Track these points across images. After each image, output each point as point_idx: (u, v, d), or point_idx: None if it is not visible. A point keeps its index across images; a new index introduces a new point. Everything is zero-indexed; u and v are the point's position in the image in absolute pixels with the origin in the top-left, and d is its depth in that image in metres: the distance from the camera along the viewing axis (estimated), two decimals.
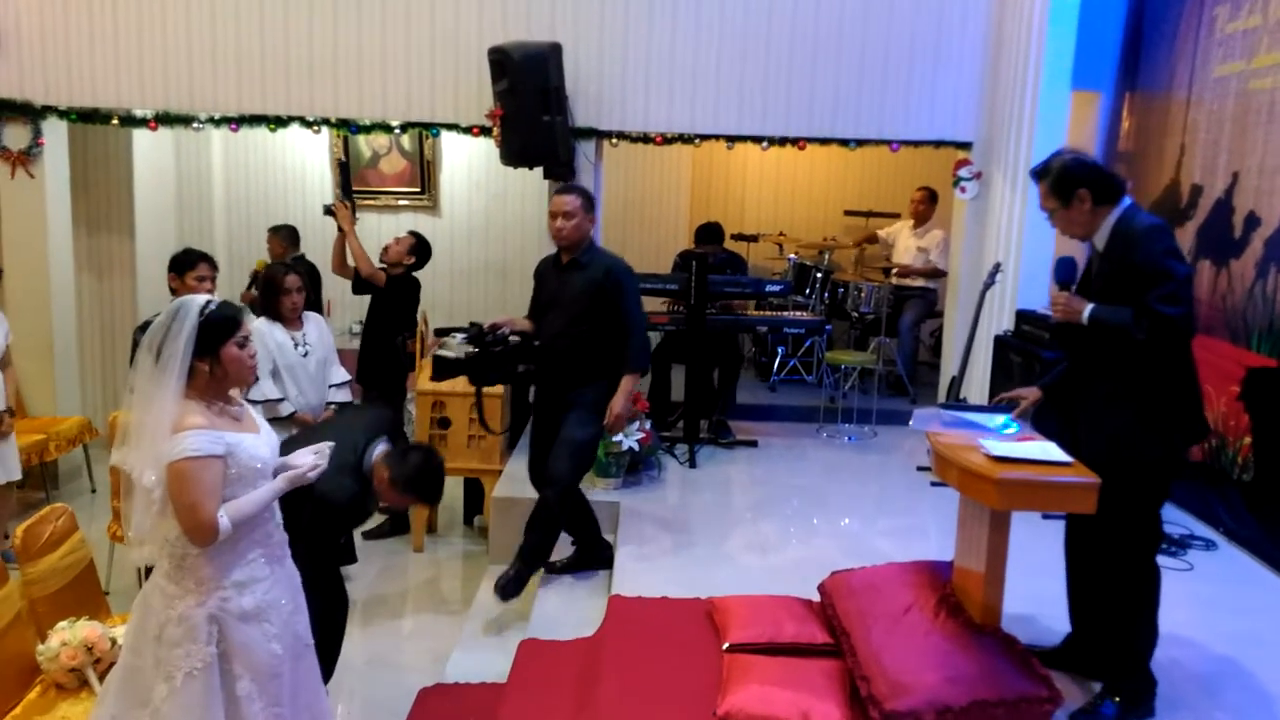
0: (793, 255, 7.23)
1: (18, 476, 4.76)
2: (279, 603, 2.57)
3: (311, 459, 2.63)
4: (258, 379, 3.92)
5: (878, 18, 5.73)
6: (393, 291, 5.52)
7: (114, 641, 2.93)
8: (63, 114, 5.79)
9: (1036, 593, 3.37)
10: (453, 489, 5.64)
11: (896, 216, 7.40)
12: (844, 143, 5.84)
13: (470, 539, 5.48)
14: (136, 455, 2.46)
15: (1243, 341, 4.36)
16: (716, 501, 4.84)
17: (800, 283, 6.96)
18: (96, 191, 6.47)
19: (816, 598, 3.55)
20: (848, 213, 7.87)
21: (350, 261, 5.56)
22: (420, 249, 5.61)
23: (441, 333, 4.59)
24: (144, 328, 4.33)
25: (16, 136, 5.77)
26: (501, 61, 5.27)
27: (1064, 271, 3.09)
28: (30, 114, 5.74)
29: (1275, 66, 4.26)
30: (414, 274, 5.65)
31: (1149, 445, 2.86)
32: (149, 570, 2.64)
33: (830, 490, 5.09)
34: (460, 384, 5.19)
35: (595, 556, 4.25)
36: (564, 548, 4.27)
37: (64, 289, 6.04)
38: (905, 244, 7.01)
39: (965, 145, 5.83)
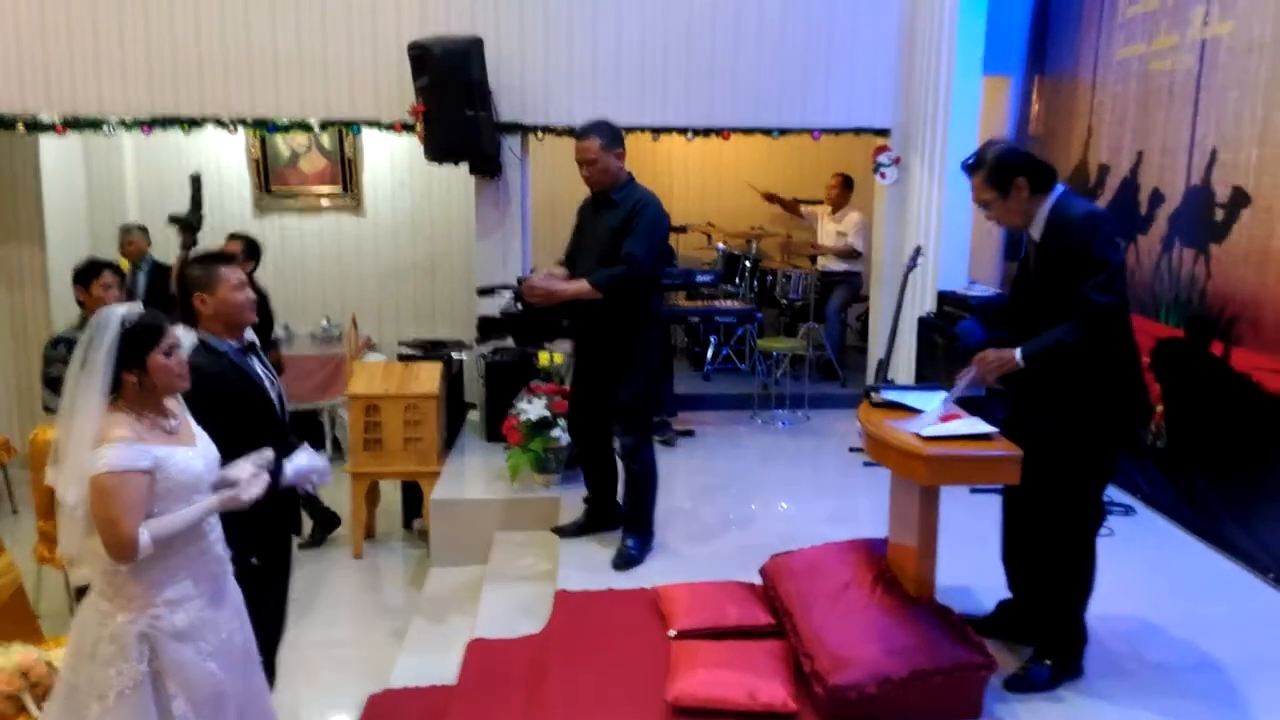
0: (721, 245, 7.31)
1: None
2: (215, 621, 2.53)
3: (251, 470, 2.59)
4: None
5: (796, 7, 5.82)
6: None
7: (50, 665, 2.85)
8: None
9: (967, 564, 3.48)
10: (390, 493, 5.62)
11: (820, 203, 7.53)
12: (767, 132, 5.93)
13: (410, 542, 5.44)
14: (62, 473, 2.40)
15: (1152, 313, 4.55)
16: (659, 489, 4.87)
17: (730, 272, 7.04)
18: (3, 201, 6.23)
19: (759, 581, 3.62)
20: (770, 199, 7.96)
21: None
22: (253, 250, 5.38)
23: (484, 291, 4.50)
24: (56, 342, 4.22)
25: None
26: (422, 57, 5.21)
27: (973, 334, 3.15)
28: None
29: (1173, 48, 4.45)
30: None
31: (1094, 427, 2.93)
32: (81, 591, 2.58)
33: (767, 475, 5.18)
34: (393, 386, 5.16)
35: (608, 517, 4.21)
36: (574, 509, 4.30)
37: None
38: (825, 229, 7.15)
39: (884, 132, 5.97)
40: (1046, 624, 3.09)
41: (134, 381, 2.38)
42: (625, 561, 3.95)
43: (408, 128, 5.63)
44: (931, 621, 3.00)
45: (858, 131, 5.96)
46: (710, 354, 7.00)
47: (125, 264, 6.07)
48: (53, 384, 3.98)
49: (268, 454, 2.66)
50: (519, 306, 3.88)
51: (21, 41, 5.50)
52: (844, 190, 7.02)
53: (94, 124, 5.61)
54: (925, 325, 5.47)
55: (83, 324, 4.01)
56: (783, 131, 5.92)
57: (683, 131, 5.92)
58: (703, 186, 8.03)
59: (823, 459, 5.51)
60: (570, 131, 5.83)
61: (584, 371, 4.10)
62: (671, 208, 7.89)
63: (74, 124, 5.59)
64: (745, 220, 7.91)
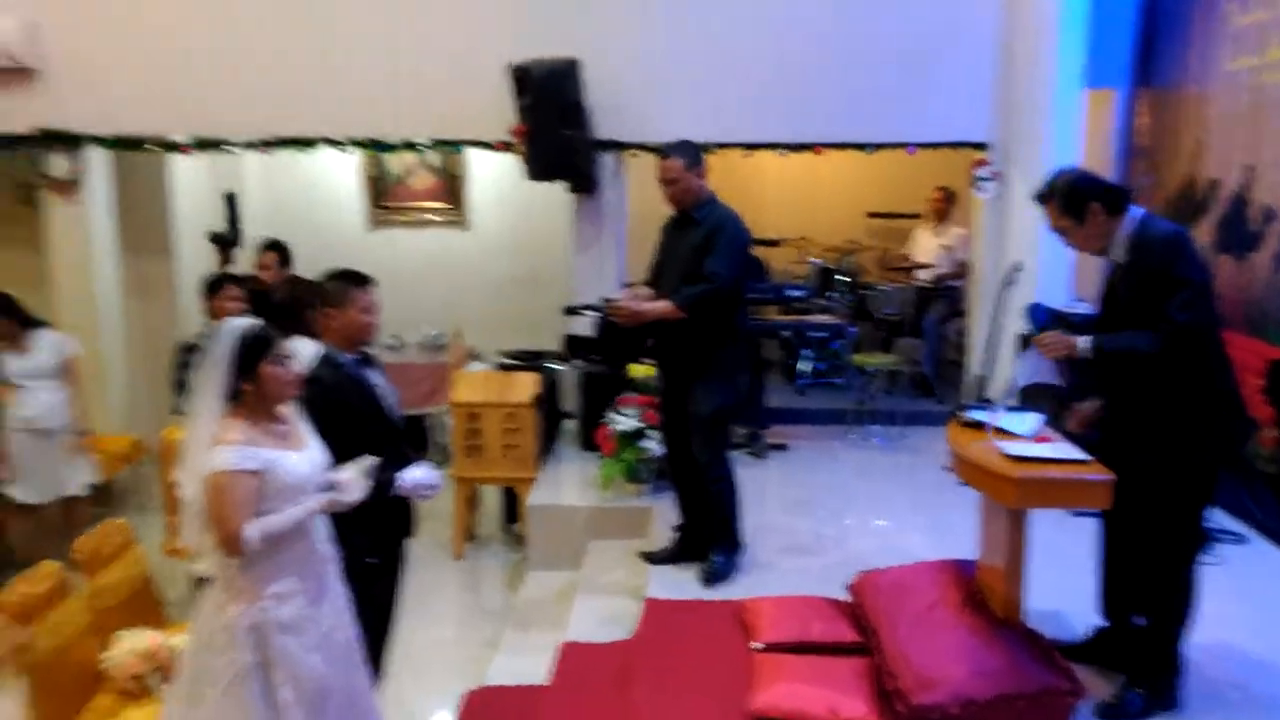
0: (814, 259, 7.30)
1: (86, 491, 5.08)
2: (319, 617, 2.69)
3: (353, 474, 2.76)
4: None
5: (890, 21, 5.79)
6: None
7: (173, 650, 3.08)
8: (103, 142, 5.99)
9: (1062, 588, 3.43)
10: (490, 497, 5.81)
11: (917, 217, 7.45)
12: (860, 147, 5.92)
13: (508, 545, 5.61)
14: (185, 471, 2.61)
15: (1261, 333, 4.39)
16: (748, 504, 4.84)
17: (824, 286, 7.03)
18: (137, 216, 6.67)
19: (846, 598, 3.64)
20: (871, 215, 7.92)
21: None
22: (285, 258, 5.52)
23: (571, 311, 4.61)
24: (184, 349, 4.53)
25: (60, 166, 5.98)
26: (522, 78, 5.40)
27: (1040, 317, 3.14)
28: (72, 144, 5.95)
29: None
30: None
31: (1189, 448, 2.88)
32: (202, 583, 2.79)
33: (860, 492, 5.16)
34: (493, 395, 5.35)
35: (698, 547, 4.15)
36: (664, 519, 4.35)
37: (110, 311, 6.25)
38: (925, 244, 7.07)
39: (982, 146, 5.88)
40: (1142, 651, 3.03)
41: (249, 389, 2.58)
42: (712, 578, 3.96)
43: (509, 147, 5.83)
44: (1019, 645, 2.98)
45: (955, 146, 5.90)
46: (804, 368, 7.00)
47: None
48: (179, 387, 4.27)
49: (370, 460, 2.82)
50: (604, 327, 3.96)
51: (156, 69, 5.90)
52: (948, 204, 6.94)
53: (219, 144, 5.98)
54: (1025, 342, 5.37)
55: (210, 333, 4.31)
56: (877, 146, 5.90)
57: (776, 147, 5.96)
58: (796, 200, 8.02)
59: (917, 477, 5.46)
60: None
61: (670, 390, 4.15)
62: (764, 221, 8.01)
63: (201, 144, 5.98)
64: (841, 233, 7.88)
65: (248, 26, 5.89)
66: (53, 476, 5.07)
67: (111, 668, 3.11)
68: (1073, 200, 2.96)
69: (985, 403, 4.95)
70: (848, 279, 7.02)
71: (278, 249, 5.50)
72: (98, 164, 6.09)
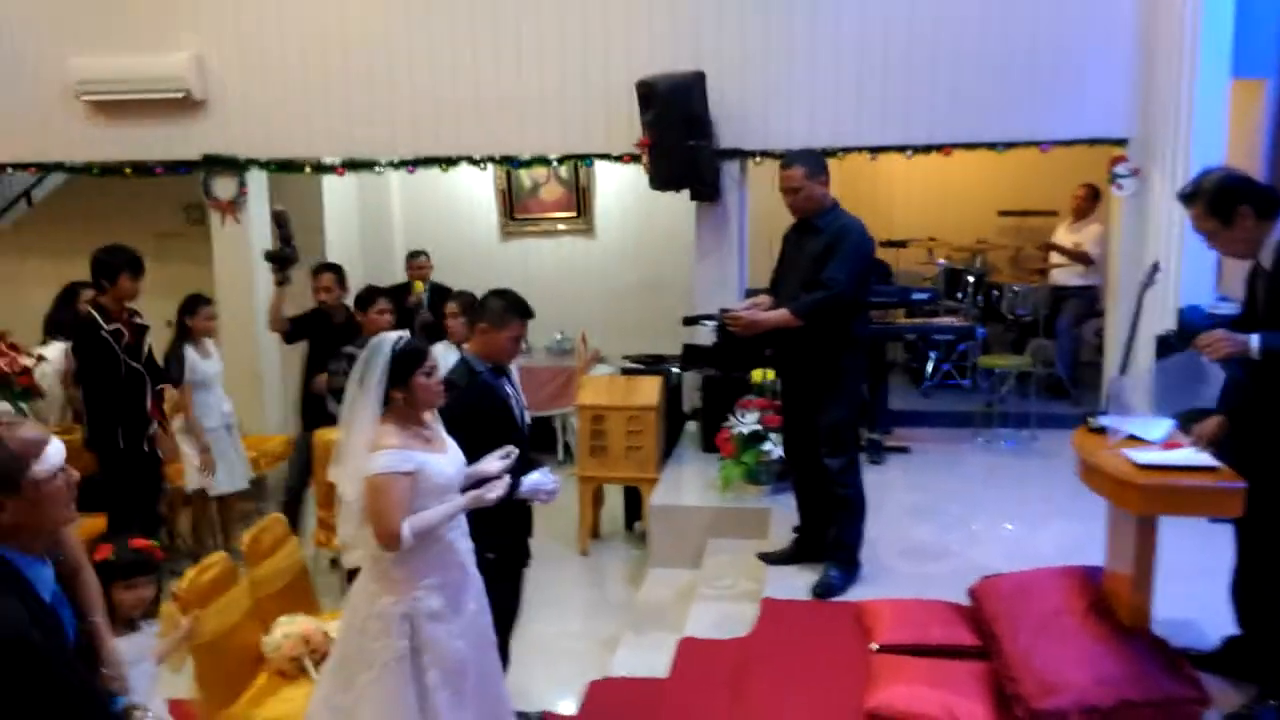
0: (941, 260, 7.19)
1: (244, 486, 5.51)
2: (464, 604, 2.92)
3: (498, 465, 2.97)
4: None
5: (1021, 16, 5.68)
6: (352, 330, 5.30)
7: (326, 635, 3.36)
8: (263, 165, 6.50)
9: (1193, 596, 3.33)
10: (613, 496, 6.00)
11: (1054, 215, 7.23)
12: (991, 146, 5.81)
13: (631, 543, 5.78)
14: (342, 472, 2.87)
15: None
16: (870, 507, 4.90)
17: (952, 287, 6.91)
18: (294, 233, 7.18)
19: (968, 603, 3.62)
20: (1002, 213, 7.74)
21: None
22: (342, 279, 5.53)
23: (690, 321, 4.72)
24: (338, 356, 4.88)
25: (225, 187, 6.52)
26: (648, 94, 5.57)
27: (1197, 315, 3.03)
28: (235, 167, 6.48)
29: None
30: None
31: None
32: (351, 574, 3.05)
33: (986, 496, 5.08)
34: (617, 398, 5.53)
35: (816, 549, 4.17)
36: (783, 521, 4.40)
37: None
38: (1061, 240, 6.86)
39: (1121, 142, 5.69)
40: (1275, 663, 2.92)
41: (400, 398, 2.81)
42: (826, 590, 3.93)
43: (635, 159, 6.00)
44: (1144, 653, 2.92)
45: (1091, 143, 5.72)
46: (930, 370, 6.91)
47: (419, 286, 6.92)
48: (335, 393, 4.60)
49: (511, 450, 3.03)
50: (722, 336, 4.00)
51: (310, 98, 6.36)
52: (1091, 201, 6.72)
53: (367, 164, 6.41)
54: (1164, 344, 5.18)
55: (361, 344, 4.64)
56: (1008, 145, 5.79)
57: (902, 150, 5.92)
58: (925, 199, 7.92)
59: (1048, 481, 5.32)
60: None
61: (791, 398, 4.18)
62: (891, 221, 7.96)
63: (351, 165, 6.41)
64: (970, 233, 7.73)
65: (394, 57, 6.26)
66: (236, 470, 5.52)
67: (270, 650, 3.40)
68: (1221, 202, 2.85)
69: (1122, 406, 4.82)
70: (976, 279, 6.88)
71: (335, 271, 5.57)
72: (257, 185, 6.60)
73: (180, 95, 6.31)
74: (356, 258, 7.82)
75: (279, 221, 5.23)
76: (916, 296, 5.87)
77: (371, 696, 2.80)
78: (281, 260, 5.22)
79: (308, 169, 6.49)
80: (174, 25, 6.35)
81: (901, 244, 7.51)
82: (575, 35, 6.11)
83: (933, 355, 6.90)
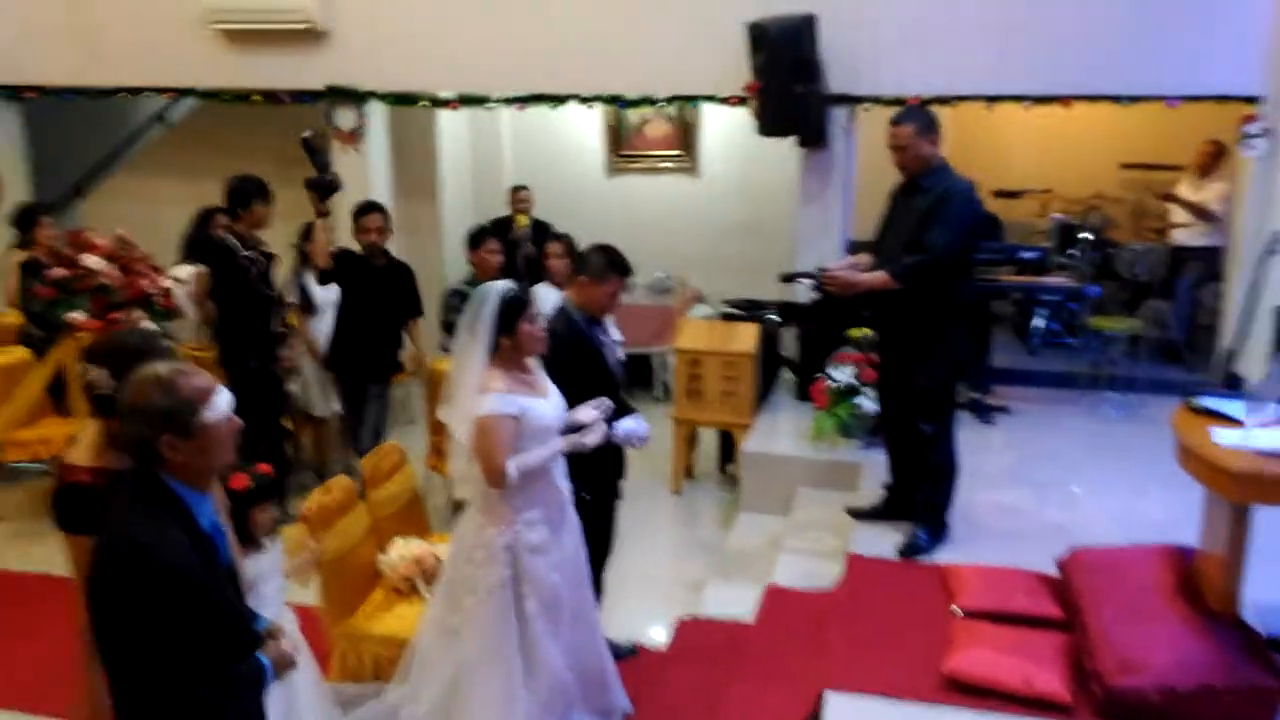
0: (1056, 215, 6.97)
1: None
2: (560, 540, 3.12)
3: (592, 414, 3.13)
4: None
5: None
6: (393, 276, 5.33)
7: (436, 557, 3.61)
8: (382, 98, 6.68)
9: None
10: (708, 438, 6.14)
11: (1179, 169, 6.91)
12: (1114, 99, 5.58)
13: (723, 486, 5.93)
14: (453, 412, 3.06)
15: None
16: (964, 466, 4.87)
17: (1065, 243, 6.72)
18: (409, 164, 7.40)
19: (1054, 573, 3.65)
20: (1124, 166, 7.42)
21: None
22: (387, 222, 5.30)
23: (787, 279, 4.72)
24: (451, 294, 5.08)
25: (346, 118, 6.74)
26: (759, 36, 5.50)
27: None
28: (356, 99, 6.68)
29: None
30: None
31: None
32: (458, 504, 3.27)
33: (1085, 463, 5.01)
34: (714, 343, 5.62)
35: (905, 508, 4.18)
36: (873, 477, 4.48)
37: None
38: (1184, 195, 6.57)
39: (1253, 100, 5.38)
40: None
41: (507, 344, 2.98)
42: (912, 550, 3.97)
43: (742, 102, 5.96)
44: (1230, 639, 2.93)
45: (1220, 99, 5.43)
46: (1038, 327, 6.76)
47: (523, 220, 7.08)
48: (448, 327, 4.80)
49: (606, 401, 3.19)
50: (819, 295, 3.98)
51: (429, 33, 6.47)
52: (1216, 157, 6.41)
53: (480, 100, 6.53)
54: None
55: (473, 280, 4.84)
56: (1133, 99, 5.54)
57: (1019, 99, 5.73)
58: (1043, 148, 7.62)
59: (1153, 450, 5.16)
60: (899, 102, 5.88)
61: (888, 360, 4.18)
62: (1007, 171, 7.73)
63: (465, 100, 6.54)
64: (1091, 185, 7.45)
65: None
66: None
67: (386, 569, 3.68)
68: None
69: (1232, 380, 4.68)
70: (1091, 236, 6.66)
71: (381, 210, 5.31)
72: (377, 117, 6.79)
73: (305, 26, 6.50)
74: (468, 192, 8.03)
75: (309, 148, 4.84)
76: (1024, 255, 5.73)
77: (475, 619, 3.04)
78: (322, 188, 4.90)
79: (424, 103, 6.65)
80: None
81: (1015, 195, 7.30)
82: None
83: (1040, 313, 6.75)
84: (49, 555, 4.74)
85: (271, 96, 6.76)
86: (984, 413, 5.63)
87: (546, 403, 3.08)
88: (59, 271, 5.09)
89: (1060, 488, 4.70)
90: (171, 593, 1.91)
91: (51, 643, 3.78)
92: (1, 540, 5.16)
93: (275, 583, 3.05)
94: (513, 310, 2.99)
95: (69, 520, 2.52)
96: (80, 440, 2.60)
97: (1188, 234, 6.49)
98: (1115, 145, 7.24)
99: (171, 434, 1.97)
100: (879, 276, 3.85)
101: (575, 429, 3.13)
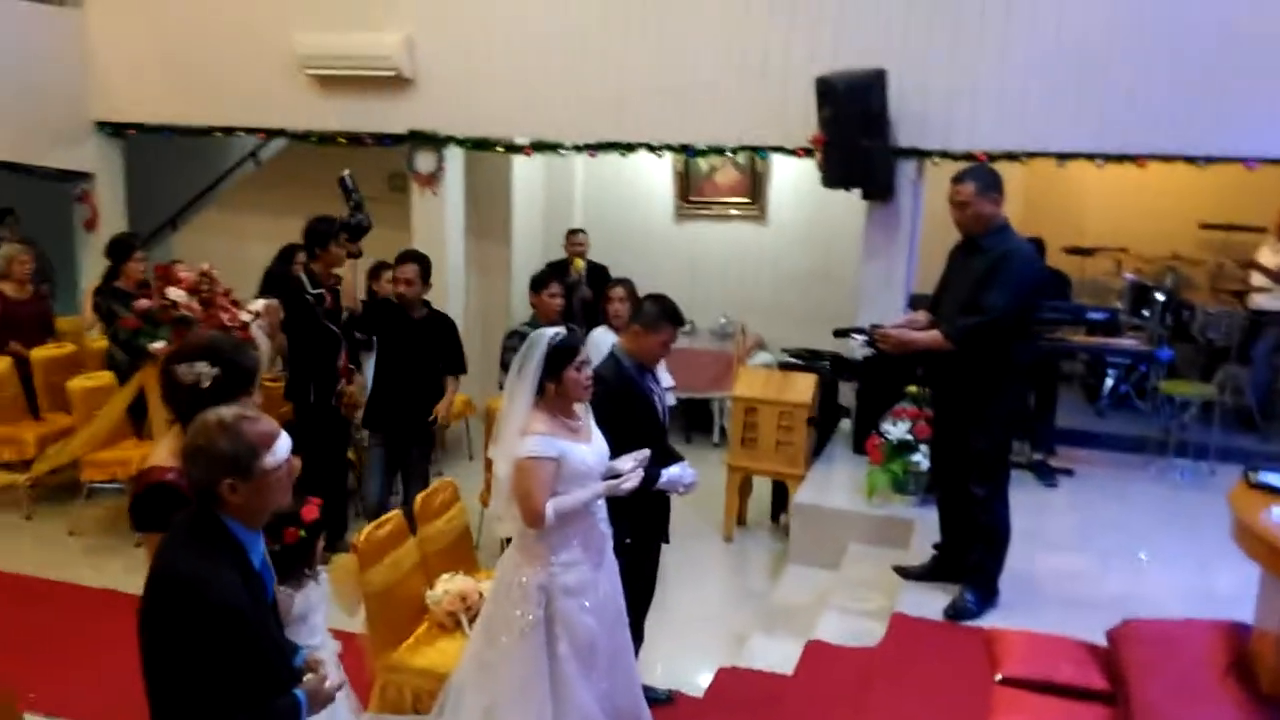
0: (1129, 274, 6.82)
1: None
2: (597, 584, 3.15)
3: (630, 464, 3.18)
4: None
5: (1237, 19, 5.28)
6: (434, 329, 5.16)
7: (481, 594, 3.68)
8: (460, 142, 6.93)
9: None
10: (761, 486, 6.14)
11: (1262, 231, 6.72)
12: (1190, 160, 5.47)
13: (774, 535, 5.90)
14: (497, 451, 3.15)
15: None
16: (1021, 528, 4.75)
17: (1139, 302, 6.57)
18: (484, 207, 7.65)
19: (1103, 643, 3.55)
20: (1203, 226, 7.24)
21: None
22: (427, 272, 5.06)
23: (840, 334, 4.79)
24: (511, 334, 5.22)
25: (425, 161, 7.01)
26: (826, 91, 5.56)
27: None
28: (436, 143, 6.94)
29: None
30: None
31: None
32: (506, 541, 3.34)
33: (1150, 531, 4.87)
34: (771, 392, 5.63)
35: (955, 569, 4.13)
36: (925, 535, 4.42)
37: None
38: (1267, 263, 6.37)
39: None
40: None
41: (552, 388, 3.06)
42: (959, 614, 3.91)
43: (809, 152, 6.01)
44: None
45: None
46: (1106, 389, 6.60)
47: (579, 263, 7.23)
48: (506, 367, 4.93)
49: (644, 453, 3.24)
50: (872, 351, 3.97)
51: (506, 81, 6.70)
52: None
53: (553, 147, 6.73)
54: None
55: (533, 322, 4.96)
56: (1209, 160, 5.43)
57: (1092, 158, 5.66)
58: (1118, 204, 7.48)
59: (1221, 522, 4.96)
60: (969, 157, 5.86)
61: (942, 419, 4.15)
62: (1082, 227, 7.61)
63: (539, 147, 6.75)
64: (1167, 245, 7.28)
65: (582, 46, 6.51)
66: None
67: (432, 604, 3.76)
68: None
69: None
70: (1165, 297, 6.50)
71: (420, 261, 5.06)
72: (454, 161, 7.05)
73: (391, 74, 6.80)
74: (539, 234, 8.23)
75: (345, 187, 4.76)
76: (1092, 315, 5.62)
77: (509, 656, 3.09)
78: (354, 230, 4.81)
79: (500, 148, 6.87)
80: (389, 8, 6.84)
81: (1087, 252, 7.17)
82: (758, 27, 6.15)
83: (1111, 373, 6.59)
84: (121, 571, 4.99)
85: (356, 139, 7.07)
86: (1047, 475, 5.52)
87: (588, 447, 3.13)
88: (144, 303, 5.37)
89: (1121, 556, 4.58)
90: (222, 630, 1.98)
91: (122, 659, 3.92)
92: (77, 555, 5.43)
93: (322, 611, 3.14)
94: (560, 356, 3.07)
95: (151, 520, 2.52)
96: (160, 446, 2.67)
97: (1267, 298, 6.29)
98: (1194, 204, 7.07)
99: (234, 477, 2.04)
100: (933, 336, 3.83)
101: (614, 477, 3.18)
